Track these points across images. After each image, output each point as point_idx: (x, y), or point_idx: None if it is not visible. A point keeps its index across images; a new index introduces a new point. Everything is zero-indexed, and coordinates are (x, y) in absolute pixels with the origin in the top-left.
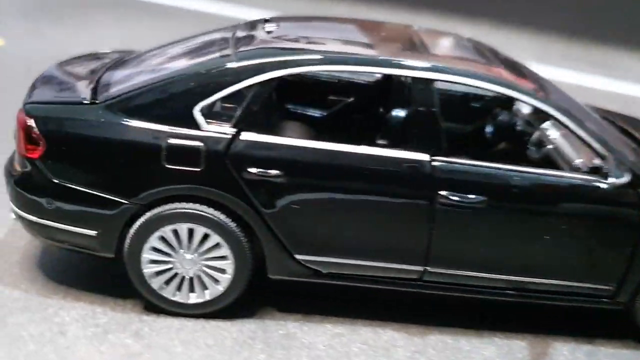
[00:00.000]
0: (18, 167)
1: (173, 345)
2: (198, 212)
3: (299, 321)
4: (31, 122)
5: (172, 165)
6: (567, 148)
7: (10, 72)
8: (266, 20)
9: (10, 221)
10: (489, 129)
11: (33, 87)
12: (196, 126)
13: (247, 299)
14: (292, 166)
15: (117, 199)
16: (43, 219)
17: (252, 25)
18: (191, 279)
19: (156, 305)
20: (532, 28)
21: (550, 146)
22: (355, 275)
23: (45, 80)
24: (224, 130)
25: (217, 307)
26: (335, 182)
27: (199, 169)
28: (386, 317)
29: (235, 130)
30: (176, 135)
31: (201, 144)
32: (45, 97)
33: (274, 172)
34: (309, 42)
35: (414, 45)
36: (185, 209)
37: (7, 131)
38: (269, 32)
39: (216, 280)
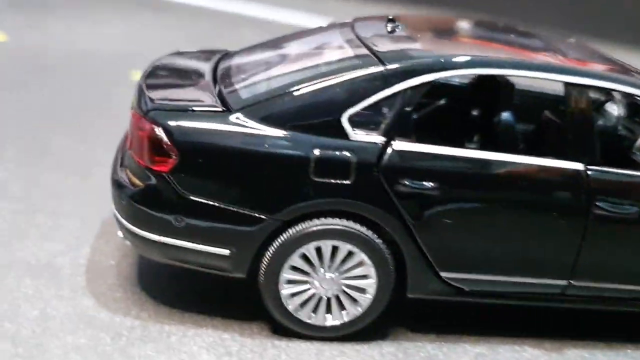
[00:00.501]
0: (136, 180)
1: None
2: (346, 228)
3: (436, 342)
4: (161, 132)
5: (320, 178)
6: None
7: (17, 67)
8: (390, 20)
9: (92, 238)
10: (627, 134)
11: (142, 91)
12: (345, 135)
13: (382, 320)
14: (448, 177)
15: (256, 214)
16: (169, 237)
17: (373, 22)
18: (329, 300)
19: (288, 329)
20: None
21: None
22: (498, 292)
23: (153, 83)
24: (374, 139)
25: (353, 329)
26: (490, 193)
27: (348, 182)
28: (519, 332)
29: (385, 139)
30: (325, 146)
31: (351, 155)
32: (170, 104)
33: (429, 184)
34: (449, 43)
35: (554, 50)
36: (333, 225)
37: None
38: (392, 31)
39: (355, 301)
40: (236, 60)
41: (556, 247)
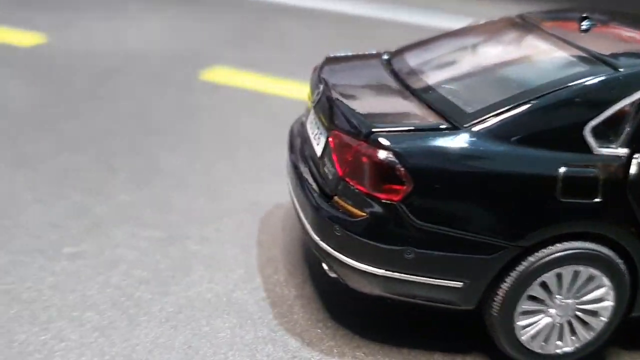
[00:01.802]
0: (357, 211)
1: None
2: (591, 251)
3: None
4: (391, 158)
5: (567, 198)
6: None
7: (60, 69)
8: (584, 17)
9: (258, 266)
10: None
11: (338, 109)
12: (588, 149)
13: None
14: None
15: (496, 242)
16: (397, 272)
17: (558, 19)
18: (561, 326)
19: None
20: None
21: None
22: None
23: (348, 97)
24: (618, 152)
25: (583, 353)
26: None
27: (596, 201)
28: None
29: (629, 150)
30: (571, 163)
31: (597, 171)
32: (389, 124)
33: None
34: None
35: None
36: (577, 249)
37: (115, 135)
38: (586, 30)
39: (588, 326)
40: (417, 62)
41: None
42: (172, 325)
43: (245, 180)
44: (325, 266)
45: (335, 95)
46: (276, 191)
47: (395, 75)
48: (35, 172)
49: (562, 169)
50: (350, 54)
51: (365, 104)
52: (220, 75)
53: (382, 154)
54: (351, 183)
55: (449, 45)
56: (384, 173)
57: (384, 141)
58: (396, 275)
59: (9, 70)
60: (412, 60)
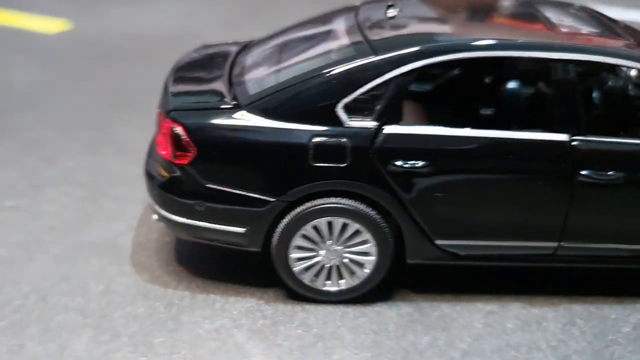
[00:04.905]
0: (164, 172)
1: (341, 332)
2: (349, 206)
3: (451, 302)
4: (179, 130)
5: (319, 163)
6: None
7: (83, 55)
8: (390, 5)
9: (152, 220)
10: (623, 102)
11: (167, 89)
12: (339, 123)
13: (399, 283)
14: (436, 156)
15: (266, 198)
16: (193, 220)
17: (374, 7)
18: (338, 268)
19: (297, 293)
20: None
21: None
22: (491, 255)
23: (177, 81)
24: (367, 124)
25: (364, 290)
26: (477, 168)
27: (345, 165)
28: (528, 290)
29: (377, 124)
30: (322, 134)
31: (346, 140)
32: (188, 103)
33: (419, 163)
34: (442, 26)
35: (539, 21)
36: (335, 203)
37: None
38: (392, 17)
39: (362, 265)
40: (249, 53)
41: (545, 213)
42: (61, 262)
43: None
44: (154, 216)
45: (168, 79)
46: None
47: (232, 64)
48: (9, 141)
49: (314, 139)
50: (227, 42)
51: (185, 87)
52: None
53: (174, 128)
54: (161, 150)
55: (282, 37)
56: (175, 143)
57: (177, 117)
58: (194, 223)
59: (25, 56)
60: (249, 52)
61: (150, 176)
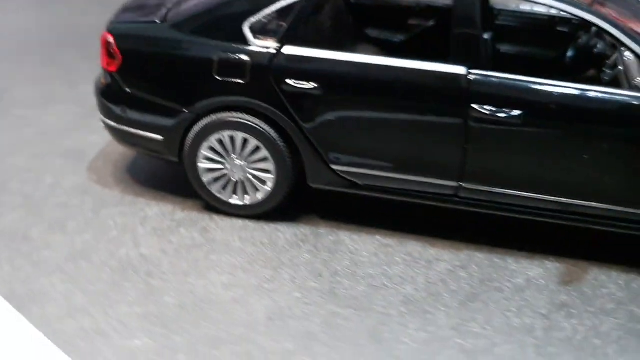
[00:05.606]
0: (102, 80)
1: (232, 240)
2: (248, 122)
3: (352, 231)
4: (110, 39)
5: (223, 77)
6: (635, 67)
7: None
8: None
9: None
10: (569, 52)
11: (120, 10)
12: (245, 41)
13: (310, 208)
14: (327, 79)
15: (178, 107)
16: (122, 125)
17: None
18: (236, 182)
19: (209, 205)
20: None
21: (620, 67)
22: (392, 188)
23: (134, 5)
24: (269, 45)
25: (268, 207)
26: (369, 96)
27: (245, 81)
28: (441, 234)
29: (279, 45)
30: (227, 50)
31: (247, 58)
32: (126, 19)
33: (310, 84)
34: None
35: None
36: (236, 118)
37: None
38: None
39: (263, 182)
40: None
41: (441, 148)
42: (35, 158)
43: None
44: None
45: (127, 5)
46: None
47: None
48: None
49: (220, 54)
50: None
51: (137, 10)
52: None
53: (107, 37)
54: (101, 60)
55: None
56: (107, 51)
57: (112, 29)
58: (122, 128)
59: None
60: None
61: (96, 86)
